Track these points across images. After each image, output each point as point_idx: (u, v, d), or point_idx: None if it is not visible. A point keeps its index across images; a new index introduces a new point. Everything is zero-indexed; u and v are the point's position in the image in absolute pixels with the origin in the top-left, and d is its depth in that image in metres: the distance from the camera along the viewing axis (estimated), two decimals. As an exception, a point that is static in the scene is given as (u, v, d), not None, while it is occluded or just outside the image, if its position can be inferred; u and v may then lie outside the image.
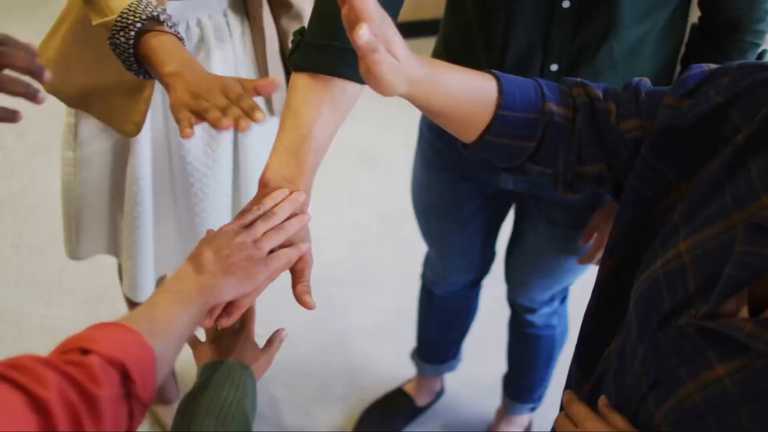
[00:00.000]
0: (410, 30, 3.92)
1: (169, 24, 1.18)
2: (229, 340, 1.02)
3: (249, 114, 1.01)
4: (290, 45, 1.13)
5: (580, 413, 0.93)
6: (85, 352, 0.72)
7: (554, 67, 1.28)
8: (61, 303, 2.54)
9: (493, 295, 2.13)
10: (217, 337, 1.04)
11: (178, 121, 1.05)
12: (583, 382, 1.03)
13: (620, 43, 1.24)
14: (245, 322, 1.06)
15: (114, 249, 1.78)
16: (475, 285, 1.97)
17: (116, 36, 1.16)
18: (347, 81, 1.10)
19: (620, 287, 0.97)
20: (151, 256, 1.71)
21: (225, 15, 1.52)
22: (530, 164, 1.02)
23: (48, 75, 0.93)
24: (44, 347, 2.53)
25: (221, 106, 1.03)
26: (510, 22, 1.26)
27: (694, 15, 1.30)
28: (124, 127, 1.50)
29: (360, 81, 1.12)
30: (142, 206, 1.62)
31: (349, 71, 1.09)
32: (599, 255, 1.44)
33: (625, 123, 0.97)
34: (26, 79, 0.93)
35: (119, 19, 1.16)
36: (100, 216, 1.71)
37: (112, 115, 1.51)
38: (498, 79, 1.00)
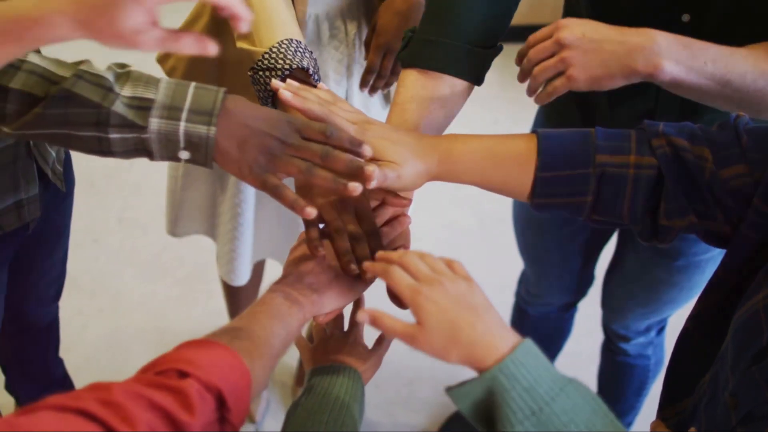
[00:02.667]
0: (527, 34, 3.86)
1: (316, 78, 1.12)
2: (337, 343, 1.01)
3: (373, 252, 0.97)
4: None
5: None
6: (183, 374, 0.71)
7: (685, 17, 1.15)
8: (159, 280, 2.60)
9: (588, 313, 2.07)
10: (325, 340, 1.03)
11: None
12: (669, 408, 1.01)
13: None
14: (353, 323, 1.04)
15: (211, 231, 1.80)
16: (569, 308, 1.92)
17: (260, 74, 1.11)
18: (456, 78, 1.09)
19: (720, 320, 0.94)
20: (249, 243, 1.73)
21: (341, 13, 1.50)
22: (595, 216, 0.98)
23: (370, 172, 0.89)
24: (139, 322, 2.57)
25: (351, 232, 0.98)
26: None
27: None
28: None
29: (469, 79, 1.10)
30: (244, 193, 1.64)
31: (458, 68, 1.07)
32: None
33: (727, 170, 0.92)
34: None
35: (266, 56, 1.10)
36: (202, 197, 1.74)
37: None
38: (539, 139, 0.97)
